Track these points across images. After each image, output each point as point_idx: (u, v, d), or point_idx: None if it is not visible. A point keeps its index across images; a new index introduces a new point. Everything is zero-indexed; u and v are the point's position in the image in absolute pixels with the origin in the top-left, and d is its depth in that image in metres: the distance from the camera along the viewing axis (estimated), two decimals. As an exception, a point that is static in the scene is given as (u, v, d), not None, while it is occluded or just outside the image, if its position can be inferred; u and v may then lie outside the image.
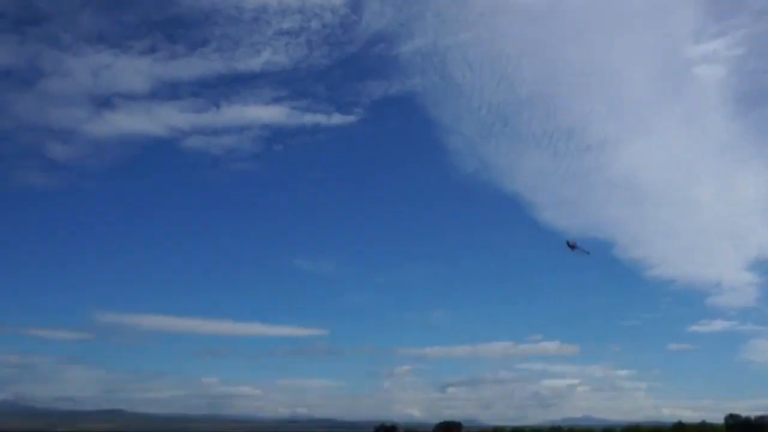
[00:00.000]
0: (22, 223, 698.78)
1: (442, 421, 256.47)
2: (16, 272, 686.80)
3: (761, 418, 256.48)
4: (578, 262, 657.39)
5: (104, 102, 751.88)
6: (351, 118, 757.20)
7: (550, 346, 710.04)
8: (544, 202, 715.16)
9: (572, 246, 41.70)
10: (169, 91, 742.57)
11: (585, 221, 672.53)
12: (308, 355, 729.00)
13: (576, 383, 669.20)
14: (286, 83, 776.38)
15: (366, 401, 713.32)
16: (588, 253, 42.75)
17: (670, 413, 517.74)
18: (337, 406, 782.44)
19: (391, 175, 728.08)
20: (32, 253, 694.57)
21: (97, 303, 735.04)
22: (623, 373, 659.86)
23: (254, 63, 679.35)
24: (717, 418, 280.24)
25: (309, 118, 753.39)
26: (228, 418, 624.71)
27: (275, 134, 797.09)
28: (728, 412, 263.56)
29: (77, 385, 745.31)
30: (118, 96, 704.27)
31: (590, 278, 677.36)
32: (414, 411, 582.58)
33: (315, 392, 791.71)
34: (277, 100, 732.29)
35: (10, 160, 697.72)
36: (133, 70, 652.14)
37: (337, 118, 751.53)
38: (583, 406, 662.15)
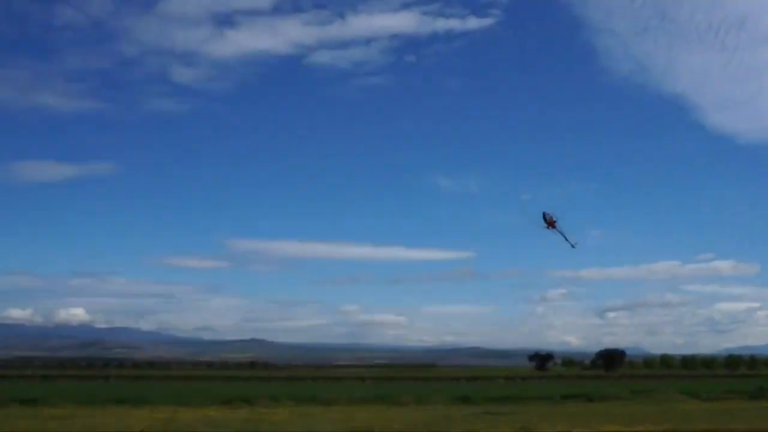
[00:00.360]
0: (152, 151, 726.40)
1: (602, 349, 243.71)
2: (152, 202, 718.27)
3: None
4: (755, 170, 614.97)
5: (225, 20, 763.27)
6: (488, 21, 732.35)
7: (724, 265, 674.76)
8: (712, 104, 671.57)
9: (550, 223, 28.79)
10: (291, 5, 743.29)
11: (760, 123, 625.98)
12: (453, 279, 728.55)
13: (756, 307, 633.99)
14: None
15: (517, 328, 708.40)
16: (573, 246, 30.96)
17: None
18: (486, 333, 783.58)
19: (535, 83, 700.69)
20: (165, 181, 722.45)
21: (232, 230, 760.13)
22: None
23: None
24: None
25: (441, 24, 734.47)
26: (370, 347, 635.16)
27: (406, 44, 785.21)
28: None
29: (217, 314, 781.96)
30: (240, 13, 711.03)
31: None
32: (570, 338, 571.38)
33: (462, 319, 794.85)
34: (406, 6, 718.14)
35: (137, 87, 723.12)
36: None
37: (472, 22, 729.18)
38: (764, 332, 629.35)
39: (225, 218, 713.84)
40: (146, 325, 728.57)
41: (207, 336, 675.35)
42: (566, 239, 30.93)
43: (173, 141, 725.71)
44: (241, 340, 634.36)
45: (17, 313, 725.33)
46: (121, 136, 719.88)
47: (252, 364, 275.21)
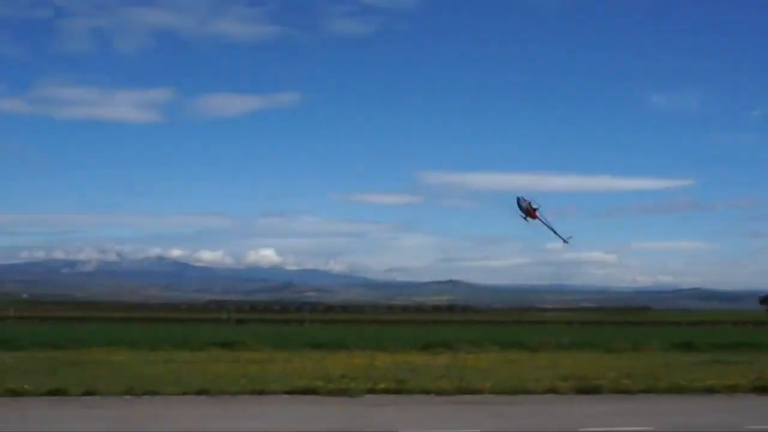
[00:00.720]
0: (338, 78, 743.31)
1: None
2: (340, 134, 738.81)
3: None
4: None
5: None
6: None
7: None
8: None
9: (528, 212, 23.63)
10: None
11: None
12: (670, 212, 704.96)
13: None
14: None
15: (746, 267, 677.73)
16: (566, 241, 26.15)
17: None
18: (709, 273, 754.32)
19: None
20: (353, 110, 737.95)
21: (426, 162, 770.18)
22: None
23: None
24: None
25: None
26: (576, 288, 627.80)
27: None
28: None
29: (410, 254, 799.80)
30: None
31: None
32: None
33: (680, 257, 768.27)
34: None
35: (318, 7, 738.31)
36: None
37: None
38: None
39: (417, 149, 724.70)
40: (337, 266, 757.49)
41: (400, 277, 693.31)
42: (555, 233, 26.89)
43: (360, 66, 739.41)
44: (437, 282, 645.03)
45: (208, 256, 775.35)
46: (304, 63, 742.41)
47: (450, 308, 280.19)
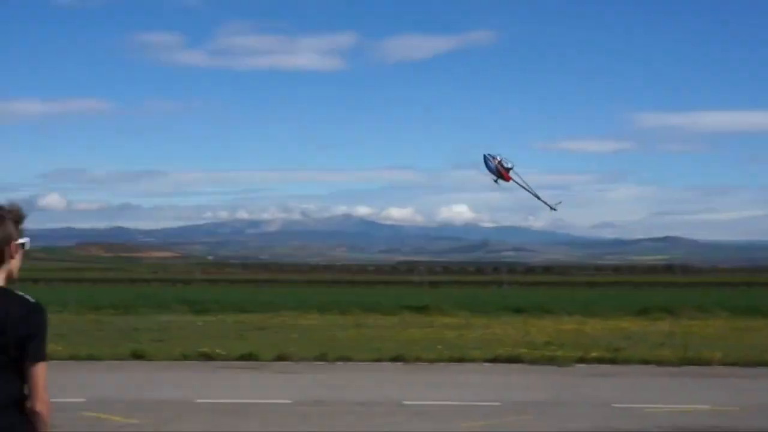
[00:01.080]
0: (539, 13, 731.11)
1: None
2: (541, 74, 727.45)
3: None
4: None
5: None
6: None
7: None
8: None
9: (502, 174, 19.33)
10: None
11: None
12: None
13: None
14: None
15: None
16: (553, 208, 21.55)
17: None
18: None
19: None
20: (555, 48, 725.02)
21: (639, 102, 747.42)
22: None
23: None
24: None
25: None
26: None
27: None
28: None
29: (621, 207, 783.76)
30: None
31: None
32: None
33: None
34: None
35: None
36: None
37: None
38: None
39: (629, 87, 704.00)
40: (538, 222, 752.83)
41: (609, 234, 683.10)
42: (537, 197, 22.86)
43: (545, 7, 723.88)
44: (652, 239, 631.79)
45: (397, 213, 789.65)
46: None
47: (668, 268, 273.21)
